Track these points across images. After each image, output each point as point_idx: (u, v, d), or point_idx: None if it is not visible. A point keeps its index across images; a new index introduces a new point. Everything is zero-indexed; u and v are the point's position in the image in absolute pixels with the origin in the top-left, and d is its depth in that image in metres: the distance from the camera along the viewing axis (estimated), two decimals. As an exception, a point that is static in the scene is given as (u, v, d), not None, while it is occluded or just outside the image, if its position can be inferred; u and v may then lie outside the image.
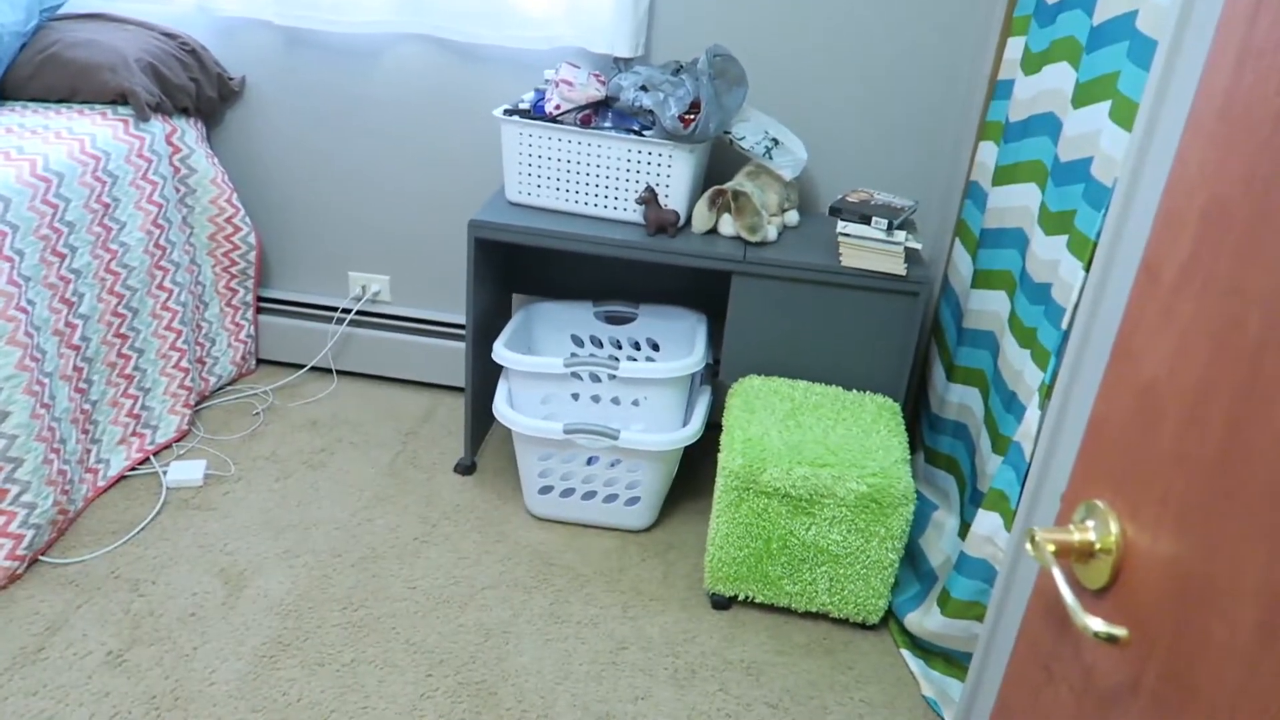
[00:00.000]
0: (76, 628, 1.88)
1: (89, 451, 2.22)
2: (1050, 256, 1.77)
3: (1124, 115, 1.47)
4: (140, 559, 2.08)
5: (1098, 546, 0.74)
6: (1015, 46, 2.08)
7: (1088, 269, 1.50)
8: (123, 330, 2.29)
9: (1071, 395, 1.20)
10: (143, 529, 2.17)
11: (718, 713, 1.84)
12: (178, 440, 2.48)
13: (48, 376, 2.02)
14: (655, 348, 2.57)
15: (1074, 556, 0.76)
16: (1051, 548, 0.75)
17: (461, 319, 2.77)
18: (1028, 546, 0.77)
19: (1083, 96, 1.68)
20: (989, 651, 1.41)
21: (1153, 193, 1.04)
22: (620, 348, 2.59)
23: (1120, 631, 0.68)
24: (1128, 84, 1.46)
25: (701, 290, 2.61)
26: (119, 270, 2.24)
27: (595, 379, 2.25)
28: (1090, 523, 0.76)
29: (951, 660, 1.96)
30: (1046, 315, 1.70)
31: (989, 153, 2.17)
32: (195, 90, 2.45)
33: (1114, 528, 0.73)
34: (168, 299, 2.42)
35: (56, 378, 2.06)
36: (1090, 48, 1.68)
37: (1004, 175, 2.06)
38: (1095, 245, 1.48)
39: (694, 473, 2.56)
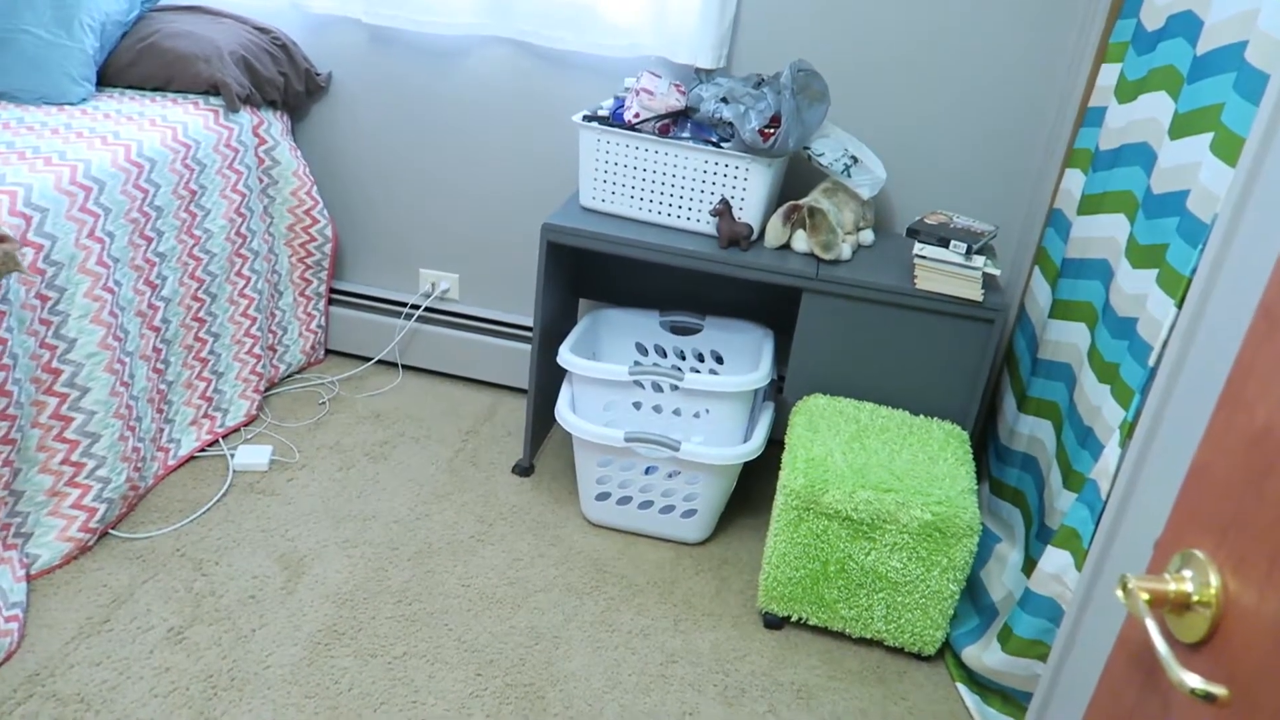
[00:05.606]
0: (141, 602, 1.93)
1: (162, 431, 2.28)
2: (1137, 290, 1.71)
3: (1227, 149, 1.41)
4: (204, 539, 2.12)
5: (1195, 599, 0.71)
6: (1110, 73, 2.02)
7: (1180, 305, 1.45)
8: (201, 315, 2.35)
9: (1156, 435, 1.15)
10: (208, 509, 2.21)
11: (766, 734, 1.81)
12: (246, 424, 2.53)
13: (128, 356, 2.08)
14: (719, 360, 2.56)
15: (1168, 607, 0.73)
16: (1145, 596, 0.72)
17: (527, 321, 2.79)
18: (1119, 593, 0.74)
19: (1181, 128, 1.63)
20: (1051, 693, 1.36)
21: (1256, 230, 1.00)
22: (684, 358, 2.58)
23: (1220, 690, 0.64)
24: (1233, 117, 1.41)
25: (768, 305, 2.59)
26: (201, 256, 2.30)
27: (658, 389, 2.24)
28: (1187, 573, 0.73)
29: (1009, 698, 1.91)
30: (1130, 351, 1.65)
31: (1075, 181, 2.11)
32: (284, 84, 2.51)
33: (1214, 580, 0.70)
34: (245, 286, 2.47)
35: (136, 357, 2.12)
36: (1192, 78, 1.62)
37: (1090, 204, 2.01)
38: (1189, 282, 1.43)
39: (751, 489, 2.54)
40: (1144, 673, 0.79)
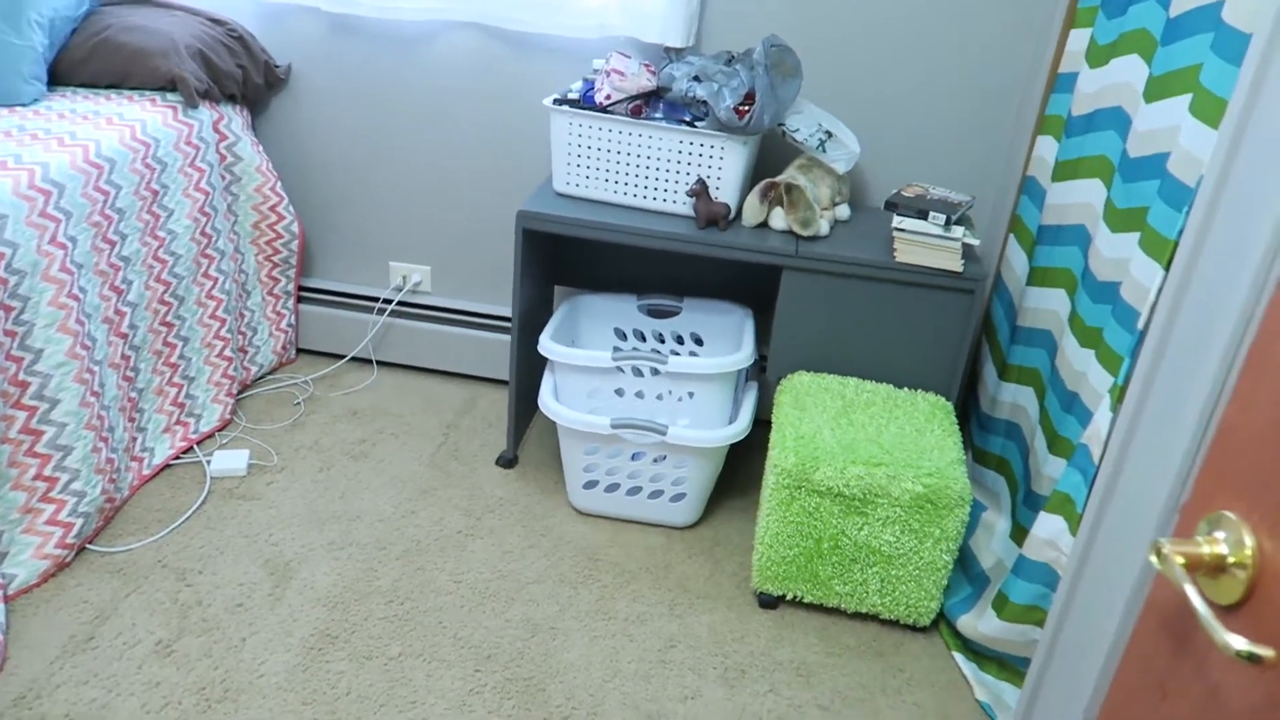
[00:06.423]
0: (125, 617, 1.88)
1: (135, 440, 2.22)
2: (1118, 255, 1.72)
3: (1208, 111, 1.42)
4: (186, 548, 2.07)
5: (1230, 560, 0.71)
6: (1079, 38, 2.03)
7: (1167, 269, 1.46)
8: (168, 319, 2.28)
9: (1149, 398, 1.16)
10: (188, 518, 2.16)
11: (769, 714, 1.81)
12: (220, 429, 2.47)
13: (97, 364, 2.01)
14: (699, 342, 2.54)
15: (1202, 570, 0.73)
16: (1181, 560, 0.72)
17: (501, 311, 2.76)
18: (1153, 559, 0.74)
19: (1157, 90, 1.63)
20: (1050, 657, 1.37)
21: (1243, 190, 1.00)
22: (663, 341, 2.56)
23: (1266, 651, 0.64)
24: (1212, 78, 1.42)
25: (745, 284, 2.58)
26: (166, 258, 2.24)
27: (639, 373, 2.22)
28: (1220, 534, 0.73)
29: (1006, 664, 1.93)
30: (1114, 315, 1.66)
31: (1048, 148, 2.12)
32: (242, 77, 2.44)
33: (1249, 541, 0.70)
34: (212, 288, 2.41)
35: (105, 365, 2.06)
36: (1166, 40, 1.63)
37: (1065, 171, 2.02)
38: (1176, 244, 1.44)
39: (737, 470, 2.53)
40: (1176, 637, 0.79)
